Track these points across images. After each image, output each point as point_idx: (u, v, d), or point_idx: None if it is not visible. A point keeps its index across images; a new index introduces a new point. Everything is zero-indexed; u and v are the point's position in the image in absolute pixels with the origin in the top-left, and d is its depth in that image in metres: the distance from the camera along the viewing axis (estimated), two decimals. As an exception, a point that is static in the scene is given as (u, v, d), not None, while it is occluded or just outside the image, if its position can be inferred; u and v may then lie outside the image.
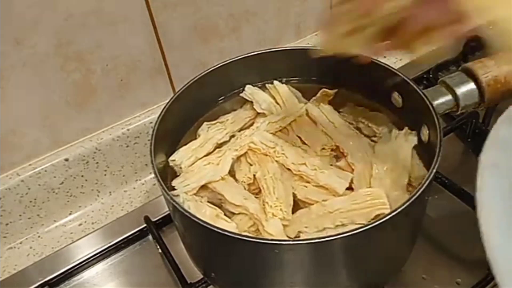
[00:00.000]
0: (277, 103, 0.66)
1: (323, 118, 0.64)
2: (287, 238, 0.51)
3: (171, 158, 0.60)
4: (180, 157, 0.60)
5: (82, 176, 0.74)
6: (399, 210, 0.47)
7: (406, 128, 0.60)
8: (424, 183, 0.49)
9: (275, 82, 0.68)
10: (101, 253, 0.68)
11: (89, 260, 0.67)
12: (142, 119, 0.75)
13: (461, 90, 0.59)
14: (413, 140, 0.59)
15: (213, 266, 0.58)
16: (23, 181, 0.69)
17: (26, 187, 0.69)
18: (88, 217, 0.75)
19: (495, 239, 0.41)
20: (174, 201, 0.51)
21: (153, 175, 0.73)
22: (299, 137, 0.63)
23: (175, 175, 0.60)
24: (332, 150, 0.61)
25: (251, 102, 0.66)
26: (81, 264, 0.67)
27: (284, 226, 0.53)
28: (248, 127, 0.65)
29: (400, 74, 0.61)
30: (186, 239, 0.60)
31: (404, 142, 0.58)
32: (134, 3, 0.67)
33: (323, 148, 0.60)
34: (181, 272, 0.62)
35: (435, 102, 0.58)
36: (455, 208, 0.66)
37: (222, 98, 0.68)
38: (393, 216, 0.46)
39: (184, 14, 0.72)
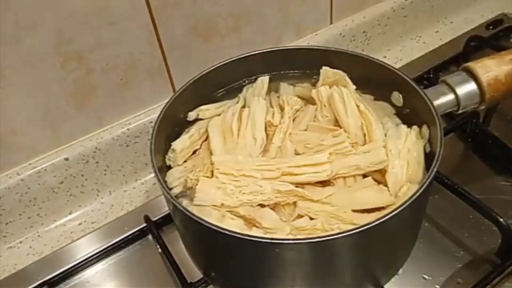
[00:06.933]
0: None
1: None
2: (288, 237, 0.51)
3: (172, 147, 0.60)
4: (179, 145, 0.60)
5: (82, 175, 0.74)
6: (399, 209, 0.47)
7: (415, 126, 0.60)
8: (425, 182, 0.49)
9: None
10: (100, 253, 0.68)
11: (88, 259, 0.67)
12: (142, 119, 0.75)
13: (461, 89, 0.60)
14: (425, 137, 0.58)
15: (213, 265, 0.58)
16: (23, 180, 0.69)
17: (26, 187, 0.69)
18: (88, 216, 0.75)
19: None
20: (174, 200, 0.51)
21: (153, 175, 0.73)
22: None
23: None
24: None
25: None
26: (81, 263, 0.67)
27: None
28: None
29: (400, 73, 0.61)
30: (186, 238, 0.60)
31: (416, 139, 0.58)
32: (134, 2, 0.66)
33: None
34: (181, 272, 0.62)
35: (436, 102, 0.58)
36: (455, 208, 0.66)
37: (221, 91, 0.68)
38: (394, 215, 0.46)
39: (184, 14, 0.72)
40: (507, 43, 0.95)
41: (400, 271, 0.60)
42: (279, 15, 0.82)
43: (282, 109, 0.64)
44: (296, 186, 0.54)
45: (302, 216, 0.52)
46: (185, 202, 0.56)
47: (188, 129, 0.64)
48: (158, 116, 0.58)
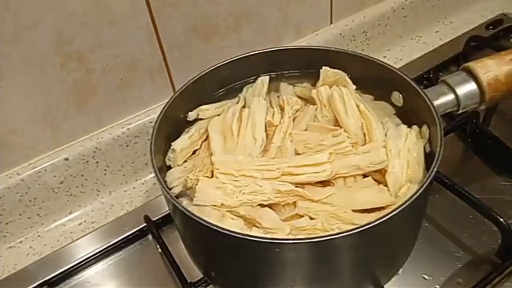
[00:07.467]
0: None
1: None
2: (288, 237, 0.51)
3: (172, 147, 0.60)
4: (179, 145, 0.60)
5: (82, 175, 0.74)
6: (399, 209, 0.47)
7: (415, 126, 0.60)
8: (425, 182, 0.49)
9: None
10: (100, 253, 0.68)
11: (88, 259, 0.67)
12: (142, 119, 0.75)
13: (461, 89, 0.60)
14: (425, 137, 0.58)
15: (213, 265, 0.58)
16: (23, 180, 0.69)
17: (26, 187, 0.69)
18: (88, 216, 0.75)
19: None
20: (174, 200, 0.51)
21: (153, 175, 0.73)
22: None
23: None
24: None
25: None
26: (81, 263, 0.67)
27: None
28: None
29: (400, 73, 0.61)
30: (186, 238, 0.60)
31: (416, 139, 0.58)
32: (134, 2, 0.66)
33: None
34: (181, 272, 0.62)
35: (436, 102, 0.58)
36: (455, 208, 0.66)
37: (221, 91, 0.68)
38: (394, 215, 0.46)
39: (184, 14, 0.72)
40: (507, 43, 0.95)
41: (400, 271, 0.60)
42: (279, 15, 0.82)
43: (282, 109, 0.64)
44: (296, 186, 0.54)
45: (302, 216, 0.52)
46: (185, 202, 0.56)
47: (188, 129, 0.64)
48: (158, 116, 0.58)
